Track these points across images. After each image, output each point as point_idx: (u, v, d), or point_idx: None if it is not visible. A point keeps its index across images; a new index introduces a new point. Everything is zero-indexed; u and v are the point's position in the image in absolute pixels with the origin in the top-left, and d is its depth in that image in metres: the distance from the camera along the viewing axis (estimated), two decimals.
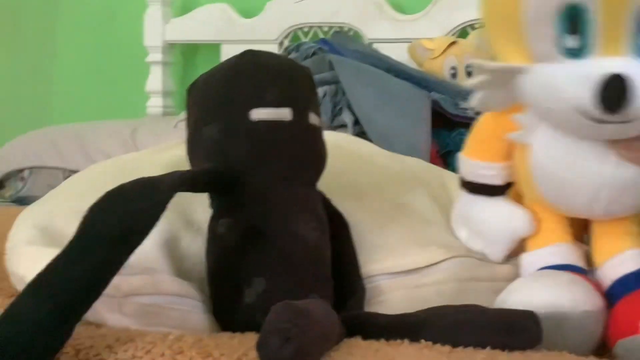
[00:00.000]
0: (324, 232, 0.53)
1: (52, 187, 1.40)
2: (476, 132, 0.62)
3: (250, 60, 0.52)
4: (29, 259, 0.48)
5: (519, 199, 0.61)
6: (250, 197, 0.50)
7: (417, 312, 0.49)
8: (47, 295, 0.38)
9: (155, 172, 0.61)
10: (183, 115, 1.48)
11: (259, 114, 0.50)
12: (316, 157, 0.53)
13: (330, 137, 0.71)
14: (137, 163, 0.67)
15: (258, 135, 0.50)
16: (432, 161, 1.13)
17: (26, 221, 0.54)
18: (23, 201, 1.41)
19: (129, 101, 1.94)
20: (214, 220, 0.51)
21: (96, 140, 1.38)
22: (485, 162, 0.60)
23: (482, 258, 0.61)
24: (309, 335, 0.37)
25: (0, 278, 0.64)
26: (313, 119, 0.53)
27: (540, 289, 0.52)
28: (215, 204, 0.52)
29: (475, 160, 0.61)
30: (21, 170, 1.43)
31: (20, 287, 0.50)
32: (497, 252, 0.61)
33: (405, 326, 0.46)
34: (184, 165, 0.55)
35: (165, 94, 1.84)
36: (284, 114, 0.51)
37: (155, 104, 1.84)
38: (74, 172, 1.38)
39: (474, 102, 0.58)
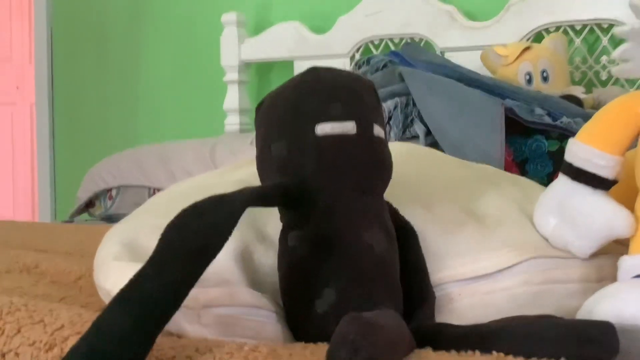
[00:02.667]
0: (392, 242, 0.54)
1: (138, 204, 1.47)
2: (599, 118, 0.60)
3: (313, 77, 0.54)
4: (116, 274, 0.51)
5: (620, 200, 0.59)
6: (318, 210, 0.52)
7: (489, 322, 0.49)
8: (130, 309, 0.41)
9: (229, 189, 0.64)
10: None
11: (324, 129, 0.52)
12: (382, 168, 0.54)
13: (398, 147, 0.72)
14: (213, 181, 0.70)
15: (324, 149, 0.52)
16: (508, 169, 1.12)
17: (113, 238, 0.57)
18: (112, 219, 1.48)
19: (208, 119, 2.01)
20: (284, 233, 0.53)
21: (177, 159, 1.44)
22: (602, 152, 0.58)
23: (558, 256, 0.60)
24: (377, 347, 0.37)
25: (89, 294, 0.69)
26: (377, 130, 0.54)
27: (635, 299, 0.50)
28: (285, 217, 0.54)
29: (591, 146, 0.59)
30: (109, 190, 1.51)
31: (107, 300, 0.54)
32: (586, 247, 0.59)
33: (476, 337, 0.46)
34: (256, 181, 0.58)
35: (242, 111, 1.90)
36: (349, 127, 0.52)
37: (232, 121, 1.90)
38: (158, 189, 1.45)
39: (616, 69, 0.56)
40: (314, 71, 0.55)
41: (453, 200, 0.64)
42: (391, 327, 0.42)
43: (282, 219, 0.54)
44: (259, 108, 0.57)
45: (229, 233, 0.45)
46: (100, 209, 1.51)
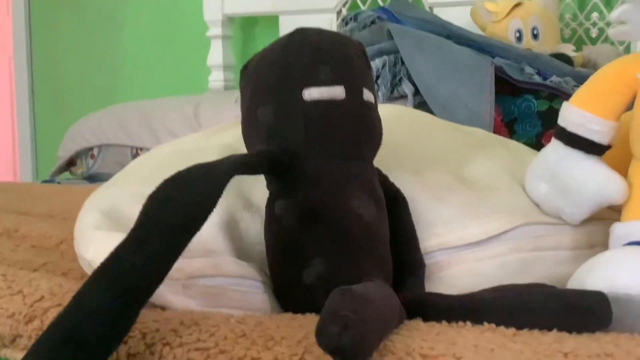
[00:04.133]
0: (381, 210, 0.52)
1: (120, 164, 1.45)
2: (593, 82, 0.59)
3: (301, 40, 0.52)
4: (96, 244, 0.50)
5: (613, 165, 0.58)
6: (306, 178, 0.50)
7: (480, 292, 0.48)
8: (111, 284, 0.39)
9: (214, 154, 0.63)
10: None
11: (311, 93, 0.50)
12: (371, 135, 0.53)
13: (388, 110, 0.70)
14: (197, 145, 0.68)
15: (312, 115, 0.50)
16: (497, 129, 1.11)
17: (93, 205, 0.56)
18: (94, 178, 1.46)
19: (191, 76, 1.98)
20: (271, 201, 0.52)
21: (161, 117, 1.41)
22: (596, 117, 0.56)
23: (549, 222, 0.59)
24: (368, 321, 0.36)
25: (71, 259, 0.67)
26: (367, 95, 0.52)
27: (628, 268, 0.49)
28: (272, 185, 0.52)
29: (585, 111, 0.57)
30: (91, 149, 1.48)
31: (88, 270, 0.52)
32: (577, 214, 0.58)
33: (467, 307, 0.45)
34: (242, 145, 0.56)
35: (226, 67, 1.86)
36: (337, 92, 0.50)
37: (216, 77, 1.86)
38: (141, 149, 1.42)
39: (611, 31, 0.55)
40: (301, 32, 0.53)
41: (443, 166, 0.63)
42: (381, 300, 0.41)
43: (268, 186, 0.53)
44: (244, 70, 0.55)
45: (213, 205, 0.43)
46: (82, 168, 1.48)
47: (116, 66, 2.10)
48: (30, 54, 2.28)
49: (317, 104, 0.50)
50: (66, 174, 1.57)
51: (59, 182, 1.40)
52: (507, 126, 1.14)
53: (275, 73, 0.51)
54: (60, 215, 0.94)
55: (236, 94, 1.44)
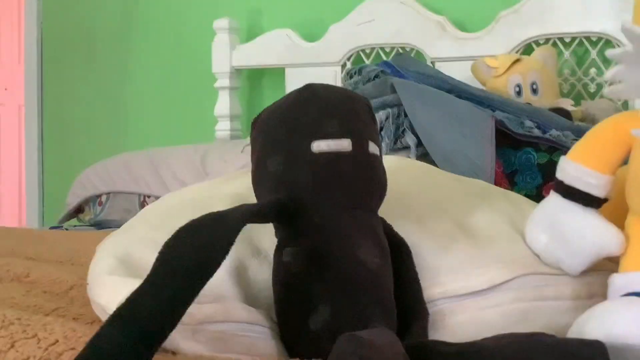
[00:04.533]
0: (386, 259, 0.54)
1: (128, 210, 1.47)
2: (590, 137, 0.61)
3: (310, 94, 0.54)
4: (110, 289, 0.51)
5: (610, 218, 0.60)
6: (313, 226, 0.52)
7: (482, 340, 0.50)
8: (127, 328, 0.40)
9: (224, 203, 0.65)
10: (249, 139, 1.52)
11: (319, 146, 0.52)
12: (377, 186, 0.55)
13: (392, 161, 0.73)
14: (207, 193, 0.70)
15: (319, 166, 0.52)
16: (498, 181, 1.13)
17: (106, 251, 0.57)
18: (101, 225, 1.48)
19: (198, 125, 2.01)
20: (279, 249, 0.53)
21: (168, 166, 1.44)
22: (593, 170, 0.59)
23: (549, 272, 0.60)
24: None
25: (81, 304, 0.69)
26: (372, 148, 0.55)
27: (626, 318, 0.50)
28: (280, 233, 0.54)
29: (582, 165, 0.59)
30: (99, 196, 1.51)
31: (102, 315, 0.54)
32: (576, 265, 0.59)
33: (469, 355, 0.47)
34: (251, 194, 0.58)
35: (233, 117, 1.90)
36: (344, 145, 0.53)
37: (223, 127, 1.90)
38: (149, 196, 1.45)
39: (608, 90, 0.57)
40: (310, 87, 0.56)
41: (445, 215, 0.65)
42: (386, 346, 0.43)
43: (276, 234, 0.55)
44: (255, 123, 0.58)
45: (227, 251, 0.45)
46: (90, 214, 1.51)
47: (125, 115, 2.14)
48: (41, 102, 2.33)
49: (325, 155, 0.53)
50: (73, 221, 1.59)
51: (66, 229, 1.42)
52: (508, 178, 1.17)
53: (285, 126, 0.54)
54: (69, 261, 0.95)
55: (242, 144, 1.47)
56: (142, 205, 1.45)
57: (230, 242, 0.46)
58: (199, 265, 0.44)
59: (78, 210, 1.55)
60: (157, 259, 0.44)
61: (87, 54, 2.22)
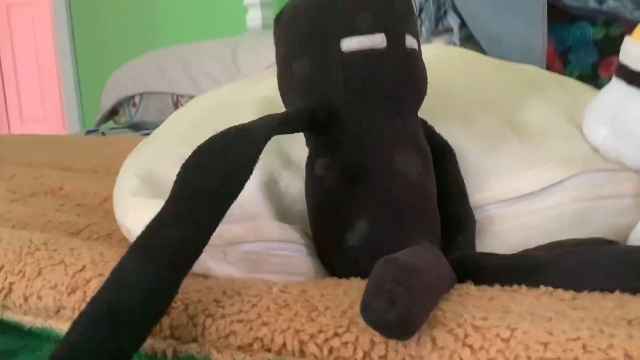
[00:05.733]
0: (428, 165, 0.49)
1: (161, 111, 1.44)
2: None
3: None
4: (134, 212, 0.48)
5: None
6: (347, 135, 0.47)
7: (536, 250, 0.46)
8: (150, 258, 0.38)
9: (252, 108, 0.60)
10: None
11: (350, 43, 0.47)
12: (416, 86, 0.49)
13: (431, 52, 0.66)
14: (234, 98, 0.65)
15: (351, 67, 0.47)
16: (550, 60, 1.05)
17: (130, 169, 0.54)
18: (137, 126, 1.46)
19: (229, 15, 1.93)
20: (311, 160, 0.49)
21: (199, 63, 1.39)
22: None
23: (609, 168, 0.55)
24: (415, 294, 0.34)
25: (114, 219, 0.67)
26: (410, 42, 0.49)
27: None
28: (311, 143, 0.50)
29: None
30: (132, 97, 1.48)
31: (128, 236, 0.52)
32: None
33: (522, 269, 0.43)
34: (279, 97, 0.53)
35: (263, 5, 1.81)
36: (378, 40, 0.47)
37: (254, 16, 1.81)
38: (181, 96, 1.41)
39: None
40: None
41: (493, 111, 0.59)
42: (429, 267, 0.39)
43: (308, 144, 0.50)
44: (277, 20, 0.52)
45: (250, 171, 0.41)
46: (125, 116, 1.48)
47: (153, 9, 2.07)
48: (69, 2, 2.27)
49: (357, 54, 0.47)
50: (110, 123, 1.57)
51: (103, 132, 1.41)
52: (561, 56, 1.08)
53: (311, 23, 0.48)
54: (104, 169, 0.94)
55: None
56: (176, 105, 1.41)
57: (255, 159, 0.42)
58: (221, 186, 0.40)
59: (113, 112, 1.53)
60: (176, 181, 0.40)
61: None
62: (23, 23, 3.46)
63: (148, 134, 1.36)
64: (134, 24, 2.11)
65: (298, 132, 0.49)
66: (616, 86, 0.55)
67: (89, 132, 1.44)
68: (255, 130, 0.43)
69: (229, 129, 0.43)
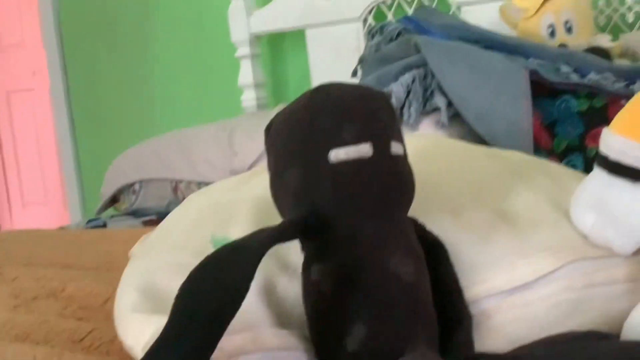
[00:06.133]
0: (421, 265, 0.51)
1: (161, 197, 1.46)
2: (635, 106, 0.56)
3: (323, 97, 0.50)
4: (135, 329, 0.49)
5: None
6: (339, 241, 0.49)
7: (531, 347, 0.46)
8: None
9: (247, 208, 0.62)
10: (276, 111, 1.49)
11: (338, 155, 0.49)
12: (404, 189, 0.51)
13: (416, 143, 0.68)
14: (230, 196, 0.67)
15: (340, 176, 0.49)
16: (537, 134, 1.07)
17: (129, 282, 0.55)
18: (137, 213, 1.48)
19: (224, 97, 1.98)
20: (306, 265, 0.50)
21: (197, 148, 1.42)
22: None
23: (600, 255, 0.56)
24: None
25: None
26: (395, 148, 0.51)
27: None
28: (306, 249, 0.51)
29: (628, 138, 0.54)
30: (132, 184, 1.50)
31: (130, 353, 0.52)
32: (628, 244, 0.55)
33: None
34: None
35: (257, 86, 1.86)
36: (365, 150, 0.49)
37: (249, 97, 1.86)
38: (180, 181, 1.43)
39: None
40: (322, 89, 0.51)
41: (482, 202, 0.60)
42: None
43: (302, 249, 0.52)
44: (267, 131, 0.54)
45: (246, 289, 0.43)
46: (125, 203, 1.50)
47: (150, 94, 2.12)
48: (67, 87, 2.33)
49: (345, 164, 0.49)
50: (111, 210, 1.59)
51: (104, 222, 1.42)
52: (548, 129, 1.11)
53: (299, 135, 0.50)
54: (105, 266, 0.94)
55: (268, 115, 1.44)
56: (175, 190, 1.43)
57: (250, 278, 0.43)
58: (218, 308, 0.41)
59: (114, 200, 1.55)
60: (174, 305, 0.42)
61: (108, 35, 2.19)
62: (23, 109, 3.53)
63: (148, 221, 1.38)
64: (133, 110, 2.15)
65: (292, 240, 0.50)
66: (598, 175, 0.57)
67: (90, 221, 1.46)
68: (250, 249, 0.45)
69: (226, 247, 0.44)
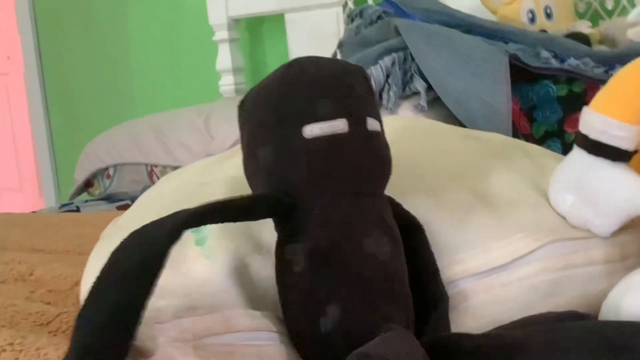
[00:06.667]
0: (397, 245, 0.49)
1: (136, 181, 1.44)
2: (615, 84, 0.55)
3: (298, 72, 0.49)
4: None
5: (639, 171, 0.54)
6: (314, 220, 0.47)
7: (509, 328, 0.45)
8: (78, 351, 0.39)
9: (220, 188, 0.60)
10: None
11: (312, 130, 0.47)
12: (380, 166, 0.50)
13: (395, 124, 0.67)
14: (202, 178, 0.65)
15: (314, 153, 0.47)
16: (516, 119, 1.07)
17: (97, 264, 0.54)
18: (111, 198, 1.45)
19: (202, 82, 1.96)
20: (280, 245, 0.49)
21: (173, 132, 1.40)
22: (620, 122, 0.52)
23: (578, 237, 0.56)
24: None
25: None
26: (372, 124, 0.49)
27: None
28: (279, 229, 0.49)
29: (608, 117, 0.53)
30: (106, 169, 1.47)
31: None
32: (607, 225, 0.54)
33: (496, 350, 0.42)
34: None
35: (235, 70, 1.83)
36: (340, 126, 0.48)
37: (227, 82, 1.84)
38: (156, 166, 1.41)
39: (631, 32, 0.51)
40: (297, 63, 0.50)
41: (460, 183, 0.59)
42: (403, 357, 0.39)
43: (276, 229, 0.50)
44: (241, 107, 0.52)
45: (170, 244, 0.42)
46: (99, 188, 1.48)
47: (128, 78, 2.09)
48: (41, 71, 2.28)
49: (319, 140, 0.47)
50: (84, 195, 1.56)
51: (77, 206, 1.40)
52: (527, 114, 1.10)
53: (273, 111, 0.49)
54: (76, 250, 0.92)
55: None
56: (150, 175, 1.41)
57: (178, 233, 0.42)
58: (143, 261, 0.41)
59: (88, 185, 1.52)
60: (104, 265, 0.41)
61: (83, 18, 2.15)
62: None
63: (123, 206, 1.36)
64: (108, 93, 2.12)
65: (259, 219, 0.49)
66: (578, 155, 0.56)
67: (62, 205, 1.43)
68: (182, 213, 0.44)
69: (133, 234, 0.44)
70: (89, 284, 0.51)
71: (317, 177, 0.47)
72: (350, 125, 0.48)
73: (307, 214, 0.48)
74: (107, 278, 0.41)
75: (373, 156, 0.49)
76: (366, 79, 0.51)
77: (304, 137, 0.47)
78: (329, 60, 0.50)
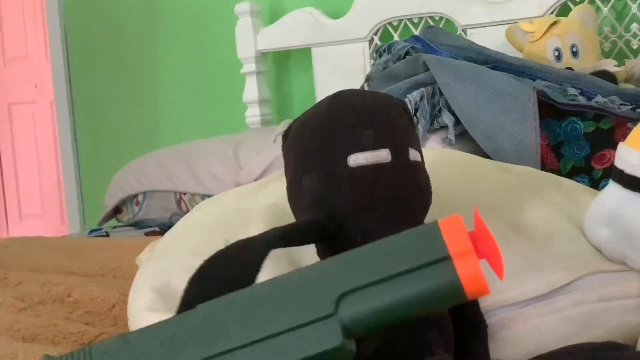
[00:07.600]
0: None
1: (165, 209, 1.45)
2: None
3: (343, 104, 0.51)
4: None
5: None
6: (356, 244, 0.49)
7: (548, 357, 0.46)
8: None
9: (260, 215, 0.62)
10: (281, 127, 1.49)
11: (357, 159, 0.49)
12: (421, 195, 0.51)
13: (430, 155, 0.69)
14: (242, 204, 0.67)
15: (358, 181, 0.49)
16: (543, 155, 1.08)
17: (144, 283, 0.55)
18: (140, 224, 1.47)
19: (229, 113, 1.98)
20: None
21: (202, 161, 1.42)
22: None
23: (614, 269, 0.56)
24: None
25: (123, 325, 0.67)
26: (413, 154, 0.51)
27: None
28: (321, 253, 0.51)
29: None
30: (135, 195, 1.50)
31: None
32: None
33: None
34: (286, 203, 0.55)
35: (262, 102, 1.86)
36: (383, 155, 0.49)
37: (253, 113, 1.86)
38: (185, 194, 1.43)
39: None
40: (341, 95, 0.52)
41: (496, 214, 0.61)
42: None
43: (318, 254, 0.52)
44: (286, 136, 0.54)
45: (250, 281, 0.43)
46: (128, 215, 1.50)
47: (156, 108, 2.13)
48: (71, 98, 2.33)
49: (363, 169, 0.49)
50: (113, 221, 1.59)
51: (106, 232, 1.42)
52: (554, 150, 1.11)
53: (318, 140, 0.50)
54: (111, 273, 0.94)
55: (273, 131, 1.44)
56: (179, 203, 1.43)
57: (256, 268, 0.44)
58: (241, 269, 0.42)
59: (117, 211, 1.54)
60: (183, 296, 0.42)
61: (112, 48, 2.20)
62: (24, 121, 3.54)
63: (151, 232, 1.38)
64: (136, 122, 2.16)
65: (306, 244, 0.50)
66: (613, 189, 0.57)
67: (92, 231, 1.46)
68: (256, 242, 0.45)
69: (232, 245, 0.45)
70: (137, 305, 0.53)
71: (361, 204, 0.49)
72: (392, 155, 0.50)
73: (349, 240, 0.49)
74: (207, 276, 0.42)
75: (414, 185, 0.50)
76: (406, 111, 0.53)
77: (348, 166, 0.49)
78: (371, 93, 0.53)
